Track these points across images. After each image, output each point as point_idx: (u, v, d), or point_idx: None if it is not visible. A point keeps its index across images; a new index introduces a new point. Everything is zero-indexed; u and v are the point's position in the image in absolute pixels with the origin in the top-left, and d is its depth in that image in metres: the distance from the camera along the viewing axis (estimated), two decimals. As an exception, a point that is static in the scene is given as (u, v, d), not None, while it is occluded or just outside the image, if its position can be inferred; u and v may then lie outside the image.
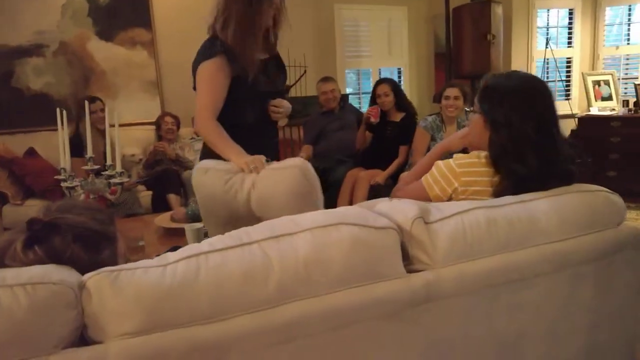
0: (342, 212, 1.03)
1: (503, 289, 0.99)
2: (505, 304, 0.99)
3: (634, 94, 4.41)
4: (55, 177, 2.08)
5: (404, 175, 3.33)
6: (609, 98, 4.64)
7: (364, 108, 4.98)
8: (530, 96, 1.28)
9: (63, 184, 2.00)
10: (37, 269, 0.81)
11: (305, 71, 4.53)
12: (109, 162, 2.13)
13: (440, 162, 1.36)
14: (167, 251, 1.72)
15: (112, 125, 2.19)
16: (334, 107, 3.95)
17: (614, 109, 4.50)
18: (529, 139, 1.22)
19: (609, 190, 1.21)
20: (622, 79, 4.86)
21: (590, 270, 1.09)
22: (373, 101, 3.74)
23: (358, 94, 5.44)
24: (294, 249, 0.91)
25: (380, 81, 3.75)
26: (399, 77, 5.51)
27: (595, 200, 1.15)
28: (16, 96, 3.82)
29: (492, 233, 1.02)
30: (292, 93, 4.47)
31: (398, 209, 1.05)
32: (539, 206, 1.10)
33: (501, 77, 1.36)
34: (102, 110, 3.45)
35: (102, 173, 2.11)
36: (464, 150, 1.47)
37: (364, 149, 3.81)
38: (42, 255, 0.87)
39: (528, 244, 1.04)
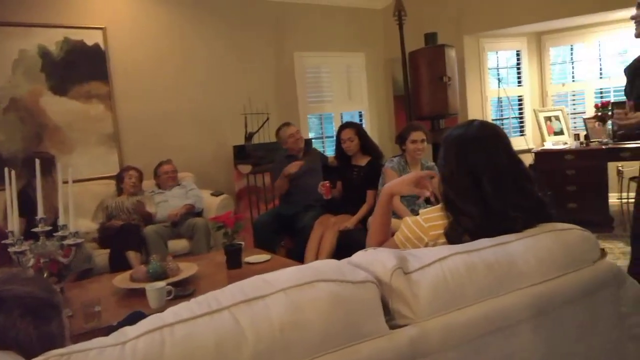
0: (316, 267, 0.97)
1: (490, 339, 0.94)
2: (492, 356, 0.94)
3: (584, 127, 4.62)
4: (3, 241, 1.93)
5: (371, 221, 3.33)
6: (561, 132, 4.85)
7: (328, 151, 5.01)
8: (466, 146, 1.29)
9: (11, 249, 1.85)
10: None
11: (268, 118, 4.54)
12: (61, 221, 2.00)
13: (408, 219, 1.37)
14: (127, 317, 1.62)
15: (65, 182, 2.07)
16: (300, 150, 3.94)
17: (566, 143, 4.69)
18: (467, 190, 1.24)
19: (580, 227, 1.20)
20: (571, 114, 5.11)
21: (572, 312, 1.06)
22: (338, 146, 3.74)
23: (322, 137, 5.48)
24: (267, 313, 0.84)
25: (344, 126, 3.76)
26: (360, 120, 5.61)
27: (569, 239, 1.14)
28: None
29: (473, 279, 0.98)
30: (255, 140, 4.46)
31: (375, 259, 1.01)
32: (516, 248, 1.08)
33: (453, 128, 1.38)
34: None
35: (54, 234, 1.98)
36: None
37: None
38: None
39: (509, 289, 1.00)
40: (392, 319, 0.94)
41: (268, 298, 0.87)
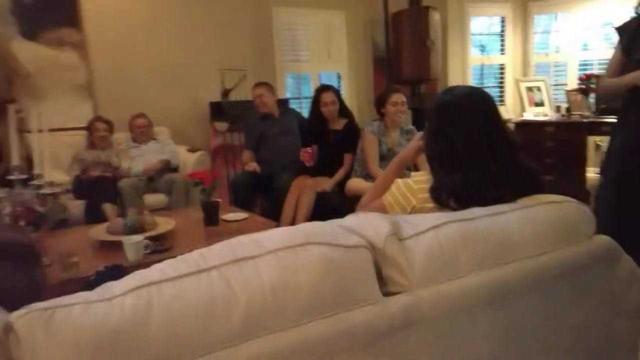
0: (307, 228, 0.94)
1: (482, 310, 0.94)
2: (484, 326, 0.94)
3: (565, 99, 4.65)
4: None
5: (350, 182, 3.33)
6: (541, 104, 4.87)
7: (305, 112, 4.92)
8: (441, 112, 1.30)
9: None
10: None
11: (245, 75, 4.40)
12: (37, 170, 1.92)
13: (399, 181, 1.37)
14: (106, 271, 1.58)
15: (39, 131, 1.97)
16: (266, 112, 3.84)
17: (546, 114, 4.71)
18: (444, 155, 1.25)
19: (576, 200, 1.18)
20: (553, 85, 5.11)
21: (565, 286, 1.06)
22: (315, 109, 3.65)
23: (299, 98, 5.36)
24: (258, 275, 0.81)
25: (325, 88, 3.66)
26: (339, 82, 5.49)
27: (565, 212, 1.13)
28: None
29: (468, 248, 0.96)
30: (232, 96, 4.33)
31: (368, 223, 0.98)
32: (511, 219, 1.06)
33: (439, 94, 1.38)
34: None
35: (30, 183, 1.90)
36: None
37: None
38: None
39: (503, 260, 0.99)
40: (384, 285, 0.91)
41: (258, 259, 0.83)
